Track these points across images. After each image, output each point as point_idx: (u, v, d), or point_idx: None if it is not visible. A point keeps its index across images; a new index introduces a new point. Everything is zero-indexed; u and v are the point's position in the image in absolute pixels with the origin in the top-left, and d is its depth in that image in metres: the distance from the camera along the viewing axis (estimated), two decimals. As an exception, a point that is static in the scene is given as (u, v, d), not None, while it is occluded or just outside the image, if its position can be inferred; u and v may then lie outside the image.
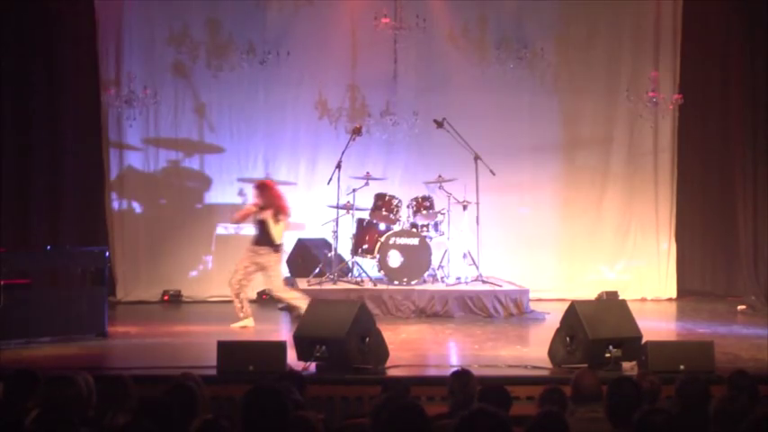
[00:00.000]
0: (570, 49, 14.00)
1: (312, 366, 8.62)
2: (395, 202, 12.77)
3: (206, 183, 13.79)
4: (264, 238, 11.31)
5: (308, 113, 13.82)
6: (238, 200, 13.73)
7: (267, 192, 11.46)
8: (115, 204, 13.59)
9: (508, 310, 12.23)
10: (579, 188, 14.11)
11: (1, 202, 12.56)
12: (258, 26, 13.62)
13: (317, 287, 12.17)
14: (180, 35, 13.58)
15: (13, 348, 9.63)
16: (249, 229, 13.55)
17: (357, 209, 12.84)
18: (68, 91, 13.18)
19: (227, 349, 8.61)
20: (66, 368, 5.69)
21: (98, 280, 10.95)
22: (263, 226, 11.33)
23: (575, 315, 8.88)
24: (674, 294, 14.05)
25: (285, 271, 13.47)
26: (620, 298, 12.31)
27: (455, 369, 6.86)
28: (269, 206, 11.33)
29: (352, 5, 13.67)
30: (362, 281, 12.54)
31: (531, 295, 12.55)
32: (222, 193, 13.77)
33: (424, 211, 12.78)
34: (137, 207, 13.70)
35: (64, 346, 9.88)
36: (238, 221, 11.82)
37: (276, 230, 11.30)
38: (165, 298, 13.37)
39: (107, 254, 11.31)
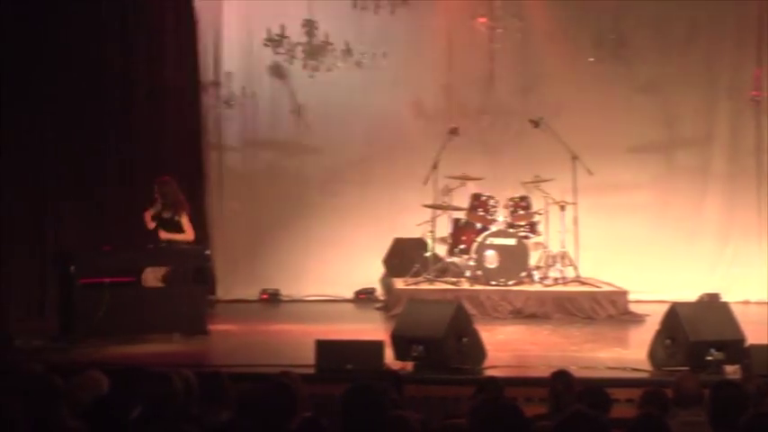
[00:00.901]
0: (669, 46, 13.77)
1: (409, 366, 8.64)
2: (491, 202, 12.74)
3: (303, 183, 13.89)
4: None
5: (405, 114, 13.84)
6: (335, 200, 13.80)
7: (168, 188, 11.35)
8: (215, 204, 13.78)
9: (606, 311, 12.11)
10: (679, 188, 13.88)
11: (106, 202, 12.82)
12: (355, 27, 13.66)
13: (414, 287, 12.19)
14: (277, 36, 13.68)
15: (116, 345, 9.84)
16: (348, 230, 13.69)
17: (454, 209, 12.83)
18: (169, 91, 13.35)
19: (326, 348, 8.68)
20: (168, 365, 5.78)
21: (199, 279, 11.12)
22: (172, 224, 11.27)
23: (675, 317, 8.76)
24: (778, 297, 13.75)
25: (382, 270, 13.54)
26: (722, 300, 12.10)
27: (555, 370, 6.81)
28: (173, 202, 11.26)
29: (448, 5, 13.65)
30: (459, 281, 12.53)
31: (630, 297, 12.40)
32: (319, 192, 13.86)
33: (521, 212, 12.73)
34: (236, 207, 13.86)
35: (166, 343, 10.05)
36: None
37: (187, 227, 11.25)
38: (264, 296, 13.50)
39: (207, 253, 11.47)
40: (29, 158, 12.33)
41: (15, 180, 12.17)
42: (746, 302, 13.41)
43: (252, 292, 13.56)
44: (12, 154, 12.16)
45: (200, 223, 13.49)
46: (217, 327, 11.11)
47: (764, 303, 13.55)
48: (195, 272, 11.21)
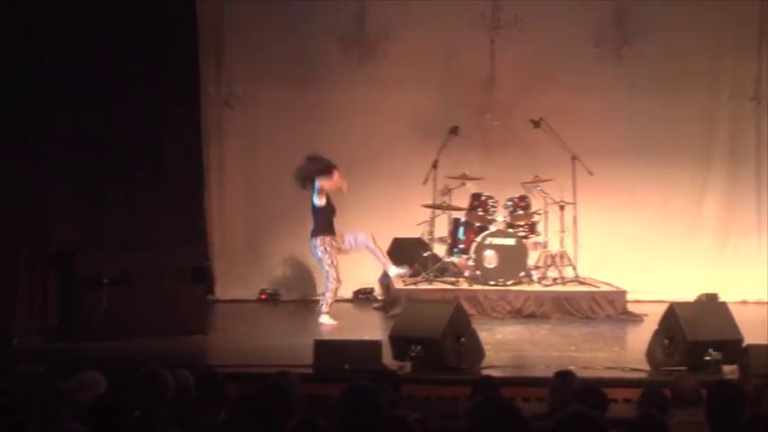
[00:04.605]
0: (671, 47, 13.74)
1: (408, 366, 8.65)
2: (491, 202, 12.75)
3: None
4: None
5: (405, 113, 13.81)
6: (335, 199, 13.75)
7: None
8: (214, 204, 13.77)
9: (605, 311, 12.11)
10: (679, 189, 13.86)
11: (108, 201, 12.81)
12: (358, 26, 13.66)
13: (413, 287, 12.19)
14: (278, 33, 13.68)
15: (115, 346, 9.83)
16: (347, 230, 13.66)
17: (453, 209, 12.83)
18: (169, 91, 13.34)
19: (324, 348, 8.69)
20: (166, 366, 5.76)
21: (198, 279, 11.11)
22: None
23: (674, 317, 8.76)
24: (776, 297, 13.75)
25: (380, 269, 13.51)
26: (721, 300, 12.10)
27: (557, 370, 6.81)
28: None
29: (449, 5, 13.62)
30: (458, 281, 12.53)
31: (629, 296, 12.41)
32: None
33: (521, 212, 12.73)
34: (235, 206, 13.84)
35: (164, 344, 10.01)
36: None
37: None
38: (263, 296, 13.50)
39: (207, 252, 11.44)
40: (32, 159, 12.33)
41: (18, 179, 12.18)
42: (744, 302, 13.42)
43: (251, 292, 13.56)
44: (15, 154, 12.16)
45: (200, 222, 13.53)
46: (215, 327, 11.11)
47: (762, 303, 13.58)
48: (194, 272, 11.20)
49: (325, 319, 11.38)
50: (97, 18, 12.64)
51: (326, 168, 11.48)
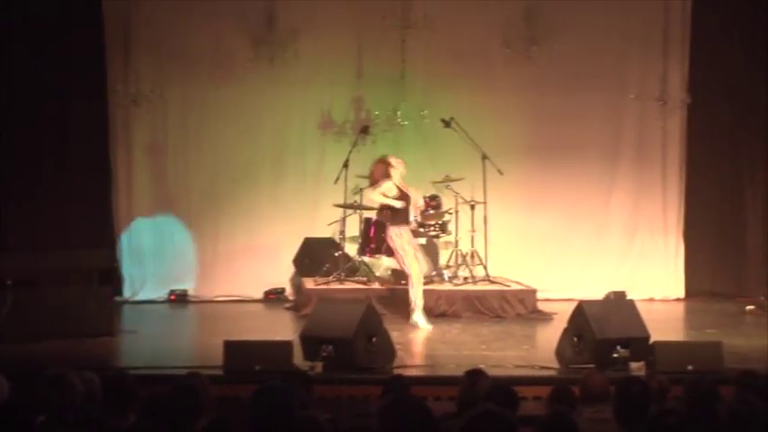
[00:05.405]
0: (579, 48, 13.91)
1: (319, 366, 8.61)
2: (402, 201, 12.76)
3: (213, 182, 13.74)
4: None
5: (316, 112, 13.78)
6: (245, 199, 13.68)
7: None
8: (122, 203, 13.57)
9: (515, 309, 12.21)
10: (587, 188, 14.05)
11: (9, 202, 12.56)
12: (267, 25, 13.58)
13: (324, 287, 12.16)
14: (187, 32, 13.54)
15: (20, 349, 9.62)
16: (258, 230, 13.58)
17: (364, 208, 12.82)
18: (76, 89, 13.14)
19: (234, 349, 8.61)
20: (73, 368, 5.65)
21: (105, 279, 10.94)
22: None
23: (582, 315, 8.86)
24: (682, 294, 13.99)
25: (292, 270, 13.46)
26: (628, 298, 12.28)
27: (468, 369, 6.82)
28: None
29: (360, 4, 13.63)
30: (369, 280, 12.53)
31: (539, 295, 12.53)
32: (229, 191, 13.72)
33: (431, 211, 12.76)
34: (144, 206, 13.66)
35: (71, 346, 9.83)
36: None
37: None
38: (172, 298, 13.34)
39: (114, 253, 11.27)
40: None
41: None
42: (651, 300, 13.65)
43: (160, 293, 13.40)
44: None
45: (107, 223, 13.34)
46: (123, 328, 10.95)
47: (669, 300, 13.85)
48: (101, 273, 11.02)
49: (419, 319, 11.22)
50: (1, 14, 12.41)
51: (373, 181, 11.35)
